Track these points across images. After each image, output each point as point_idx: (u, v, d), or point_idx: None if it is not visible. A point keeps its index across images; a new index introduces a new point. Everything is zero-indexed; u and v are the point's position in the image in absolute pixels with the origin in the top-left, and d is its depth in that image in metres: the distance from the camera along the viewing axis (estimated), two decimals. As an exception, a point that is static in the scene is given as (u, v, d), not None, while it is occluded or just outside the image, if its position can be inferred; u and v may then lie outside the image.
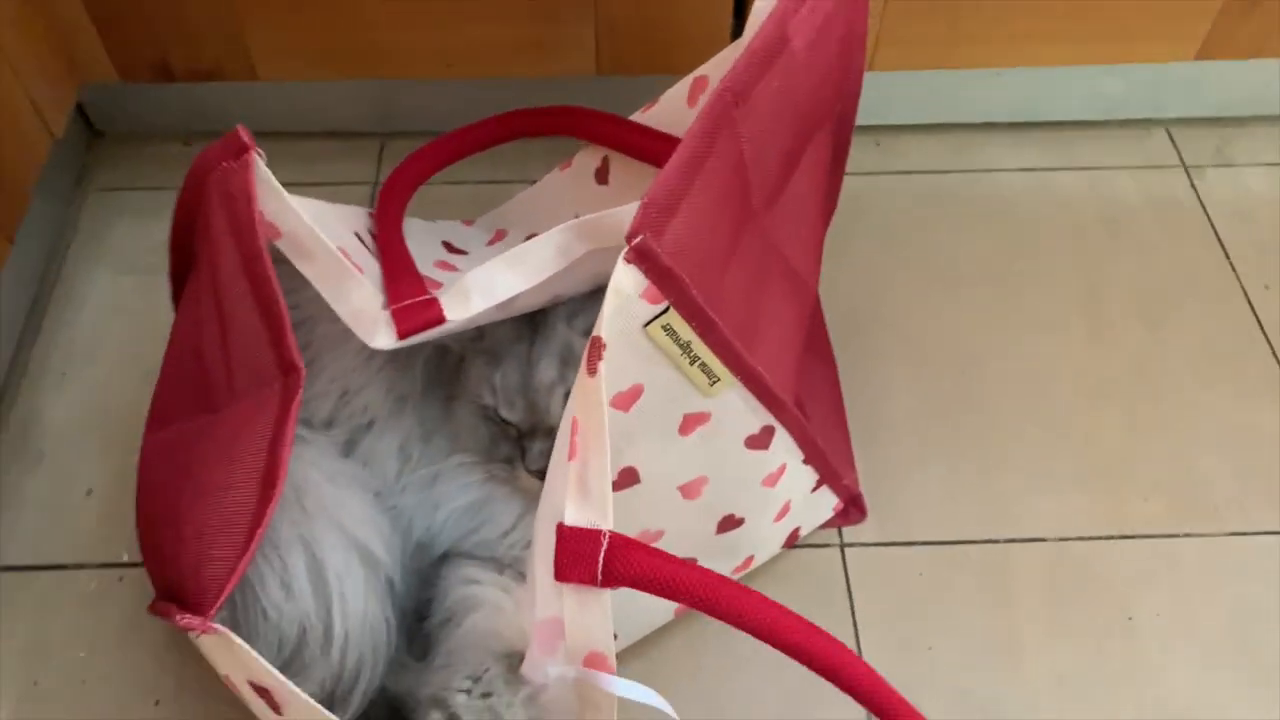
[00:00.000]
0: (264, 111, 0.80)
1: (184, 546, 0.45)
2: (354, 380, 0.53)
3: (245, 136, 0.46)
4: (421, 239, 0.60)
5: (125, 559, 0.63)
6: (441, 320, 0.47)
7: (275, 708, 0.43)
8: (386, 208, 0.59)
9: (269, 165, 0.46)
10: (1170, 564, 0.63)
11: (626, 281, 0.39)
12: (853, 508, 0.64)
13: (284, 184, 0.47)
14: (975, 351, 0.73)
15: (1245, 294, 0.76)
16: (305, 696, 0.41)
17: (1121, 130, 0.85)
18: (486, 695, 0.46)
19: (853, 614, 0.61)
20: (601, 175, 0.61)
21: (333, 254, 0.46)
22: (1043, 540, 0.64)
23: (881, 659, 0.58)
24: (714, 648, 0.59)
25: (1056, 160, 0.84)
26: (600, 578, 0.38)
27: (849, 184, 0.81)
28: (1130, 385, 0.71)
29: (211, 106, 0.79)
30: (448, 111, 0.70)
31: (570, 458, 0.38)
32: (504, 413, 0.52)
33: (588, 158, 0.62)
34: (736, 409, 0.47)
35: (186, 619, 0.41)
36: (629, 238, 0.39)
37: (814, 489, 0.59)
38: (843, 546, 0.64)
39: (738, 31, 0.73)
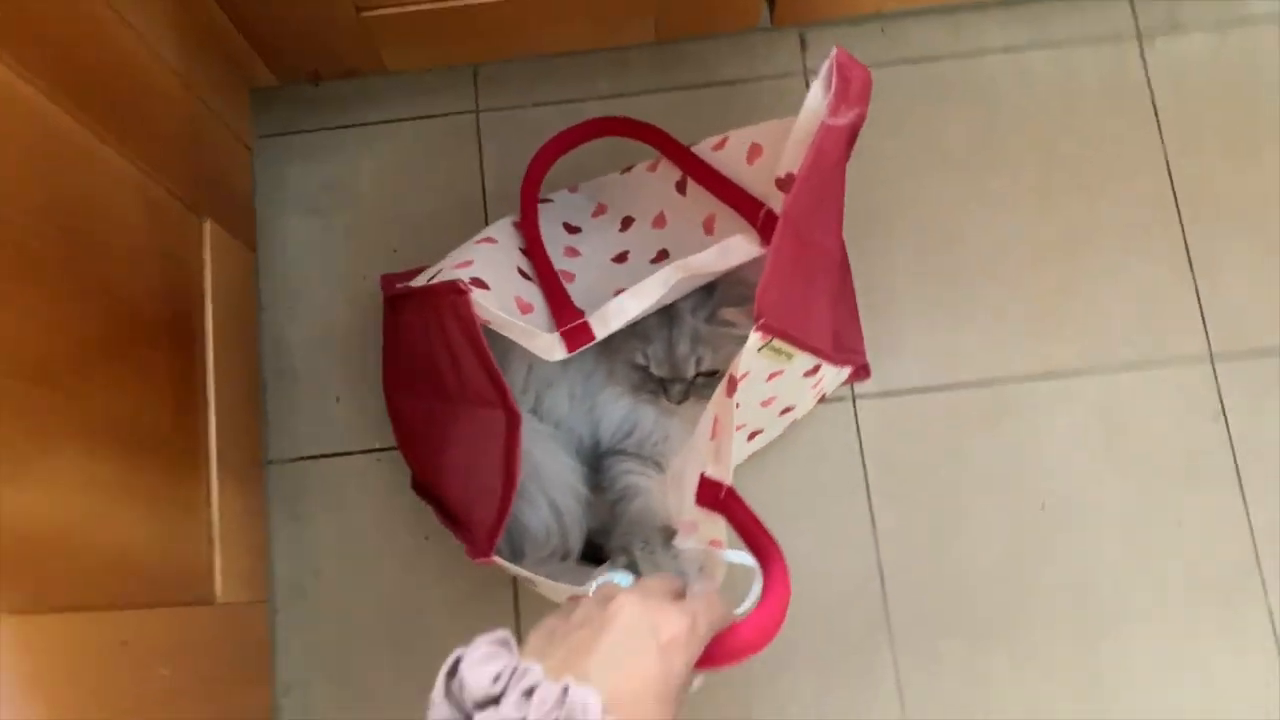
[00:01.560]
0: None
1: (450, 493, 0.77)
2: (535, 360, 0.81)
3: (464, 285, 0.68)
4: (548, 231, 0.83)
5: (378, 445, 0.94)
6: (593, 339, 0.73)
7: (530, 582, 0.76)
8: (525, 198, 0.82)
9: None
10: (1076, 393, 0.93)
11: (754, 339, 0.63)
12: (862, 371, 0.93)
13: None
14: (955, 227, 0.97)
15: (1167, 161, 0.97)
16: (550, 581, 0.73)
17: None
18: (651, 551, 0.79)
19: (861, 446, 0.93)
20: (681, 188, 0.80)
21: (519, 326, 0.70)
22: (990, 383, 0.94)
23: (876, 470, 0.91)
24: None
25: (1034, 37, 1.00)
26: (719, 507, 0.69)
27: (861, 76, 1.00)
28: (1066, 250, 0.96)
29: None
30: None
31: (711, 438, 0.67)
32: (654, 370, 0.79)
33: (670, 170, 0.81)
34: (799, 364, 0.74)
35: (478, 560, 0.73)
36: (756, 318, 0.62)
37: (838, 370, 0.88)
38: (854, 399, 0.94)
39: (771, 4, 0.88)
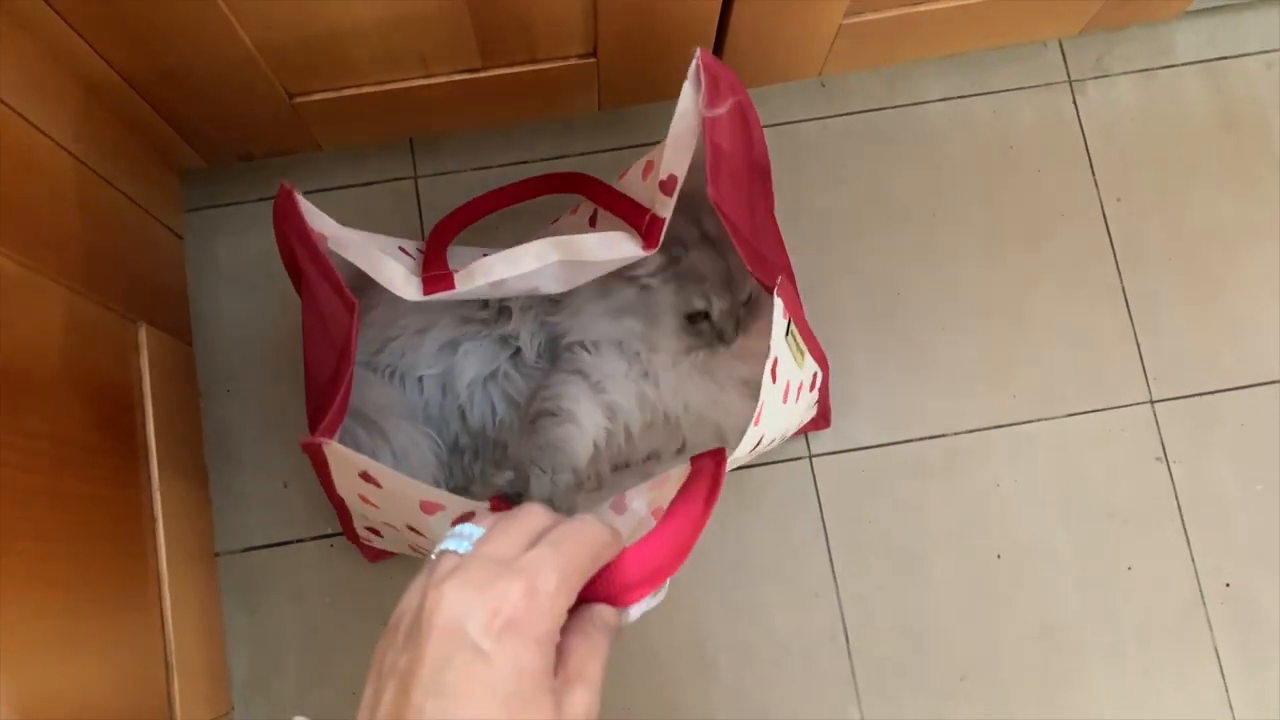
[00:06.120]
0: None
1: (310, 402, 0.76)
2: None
3: (287, 187, 0.68)
4: (463, 255, 0.83)
5: (330, 530, 0.92)
6: (452, 287, 0.71)
7: (376, 483, 0.67)
8: (433, 239, 0.81)
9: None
10: (1025, 442, 0.95)
11: (779, 313, 0.66)
12: (822, 420, 0.93)
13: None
14: (902, 279, 0.97)
15: (1101, 206, 1.00)
16: (389, 470, 0.68)
17: (1024, 48, 1.02)
18: (554, 485, 0.77)
19: (819, 502, 0.94)
20: (593, 221, 0.81)
21: (365, 243, 0.70)
22: (943, 436, 0.95)
23: (835, 527, 0.92)
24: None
25: (971, 87, 1.01)
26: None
27: (802, 129, 1.01)
28: (1011, 298, 0.97)
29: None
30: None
31: (754, 424, 0.66)
32: (715, 308, 0.78)
33: (586, 208, 0.82)
34: (802, 373, 0.76)
35: (309, 439, 0.65)
36: (769, 287, 0.66)
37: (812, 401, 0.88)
38: (811, 458, 0.95)
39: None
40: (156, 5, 0.65)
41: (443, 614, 0.38)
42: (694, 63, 0.66)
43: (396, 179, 0.98)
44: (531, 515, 0.44)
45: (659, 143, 0.99)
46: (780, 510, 0.93)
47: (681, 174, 0.67)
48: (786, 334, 0.69)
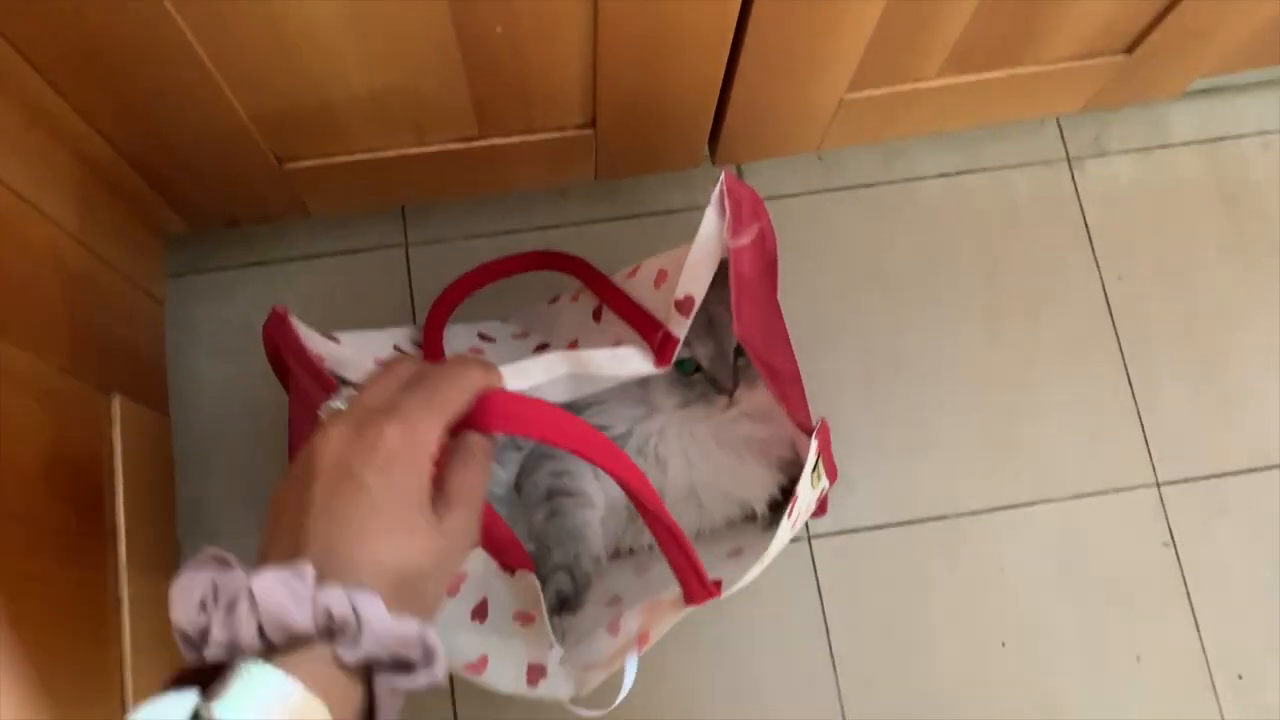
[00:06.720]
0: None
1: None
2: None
3: (280, 312, 0.65)
4: (460, 334, 0.81)
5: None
6: None
7: None
8: (430, 321, 0.79)
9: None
10: (1028, 524, 0.92)
11: (811, 448, 0.67)
12: (819, 508, 0.91)
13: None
14: (901, 355, 0.96)
15: (1102, 283, 0.98)
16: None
17: (1020, 125, 1.02)
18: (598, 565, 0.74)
19: (818, 585, 0.90)
20: (597, 315, 0.79)
21: (362, 360, 0.67)
22: (944, 518, 0.92)
23: (834, 610, 0.89)
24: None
25: (967, 163, 1.01)
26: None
27: (802, 204, 1.00)
28: (1012, 375, 0.96)
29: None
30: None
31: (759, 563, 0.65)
32: (703, 360, 0.74)
33: (589, 299, 0.80)
34: (821, 486, 0.74)
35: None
36: (811, 433, 0.68)
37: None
38: (810, 539, 0.92)
39: (712, 146, 0.87)
40: (145, 71, 0.63)
41: (329, 455, 0.42)
42: (718, 187, 0.64)
43: (386, 246, 0.96)
44: (402, 364, 0.48)
45: (656, 213, 0.99)
46: (778, 592, 0.90)
47: (700, 296, 0.65)
48: (813, 470, 0.69)
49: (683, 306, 0.67)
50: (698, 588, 0.62)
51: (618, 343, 0.74)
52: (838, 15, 0.69)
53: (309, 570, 0.38)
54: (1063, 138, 1.02)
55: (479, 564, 0.65)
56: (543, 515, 0.74)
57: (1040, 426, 0.94)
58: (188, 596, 0.38)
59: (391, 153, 0.78)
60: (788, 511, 0.67)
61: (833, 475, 0.89)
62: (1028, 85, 0.85)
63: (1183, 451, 0.94)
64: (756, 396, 0.76)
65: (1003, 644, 0.89)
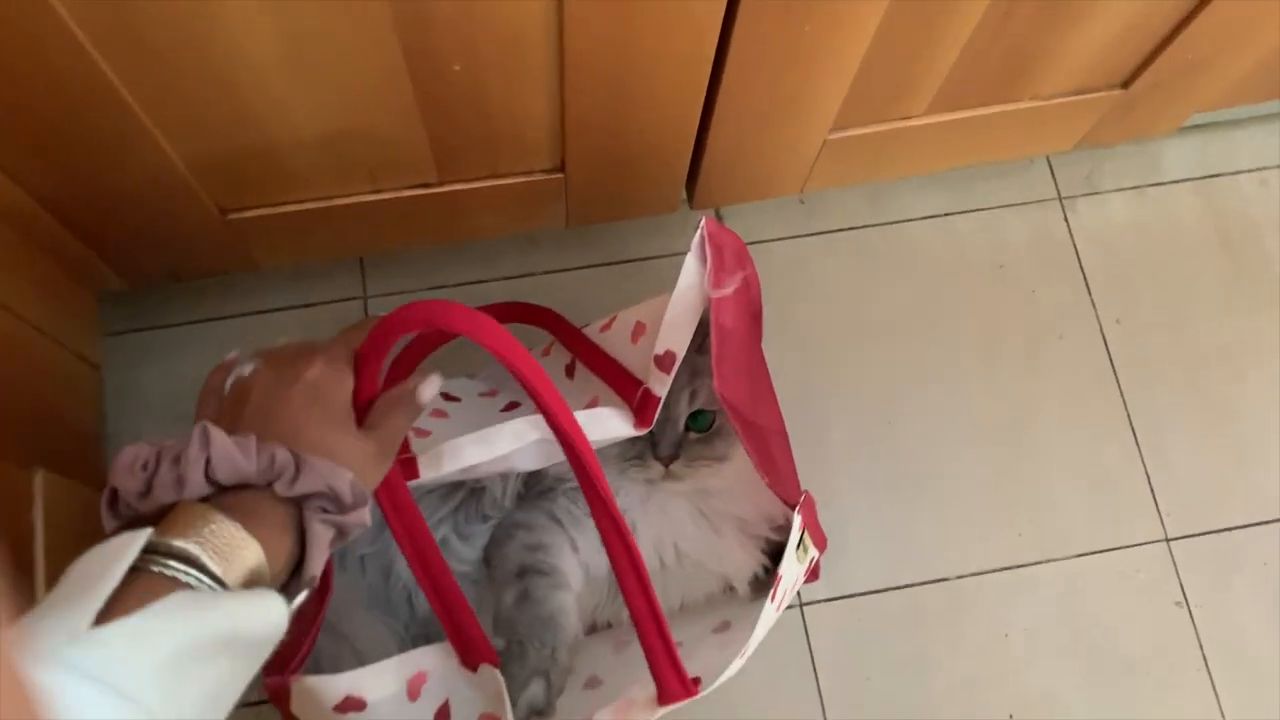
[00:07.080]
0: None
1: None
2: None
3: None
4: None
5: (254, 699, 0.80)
6: (416, 477, 0.62)
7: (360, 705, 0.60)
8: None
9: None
10: (1033, 586, 0.86)
11: (797, 528, 0.64)
12: (811, 574, 0.85)
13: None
14: (893, 405, 0.90)
15: (1100, 327, 0.94)
16: None
17: (1010, 165, 0.97)
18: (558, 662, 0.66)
19: (812, 655, 0.84)
20: (570, 371, 0.74)
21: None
22: (944, 580, 0.86)
23: (829, 681, 0.82)
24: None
25: (957, 204, 0.96)
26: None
27: (786, 248, 0.95)
28: (1008, 426, 0.90)
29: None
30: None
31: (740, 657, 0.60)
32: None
33: (561, 354, 0.75)
34: (810, 558, 0.69)
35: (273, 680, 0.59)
36: (793, 506, 0.64)
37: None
38: (802, 606, 0.85)
39: (690, 189, 0.82)
40: (71, 118, 0.57)
41: (260, 386, 0.50)
42: (698, 233, 0.60)
43: (344, 299, 0.90)
44: (299, 345, 0.55)
45: (632, 260, 0.94)
46: (770, 661, 0.82)
47: (682, 351, 0.61)
48: (799, 545, 0.64)
49: (663, 362, 0.63)
50: (675, 685, 0.56)
51: (594, 402, 0.69)
52: (821, 49, 0.64)
53: (252, 437, 0.45)
54: (1053, 176, 0.98)
55: (440, 659, 0.59)
56: (513, 597, 0.67)
57: (1041, 480, 0.89)
58: (131, 459, 0.44)
59: (344, 200, 0.72)
60: (770, 595, 0.61)
61: (821, 544, 0.83)
62: (1021, 122, 0.80)
63: (1193, 504, 0.89)
64: (736, 463, 0.71)
65: (1010, 716, 0.83)
